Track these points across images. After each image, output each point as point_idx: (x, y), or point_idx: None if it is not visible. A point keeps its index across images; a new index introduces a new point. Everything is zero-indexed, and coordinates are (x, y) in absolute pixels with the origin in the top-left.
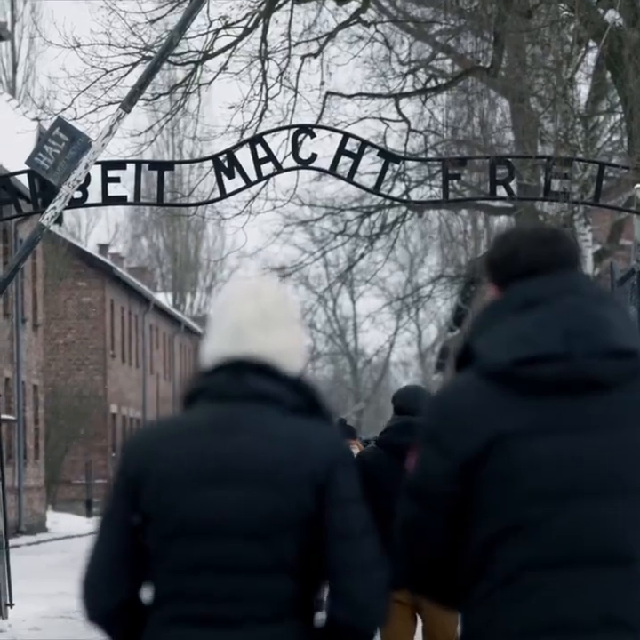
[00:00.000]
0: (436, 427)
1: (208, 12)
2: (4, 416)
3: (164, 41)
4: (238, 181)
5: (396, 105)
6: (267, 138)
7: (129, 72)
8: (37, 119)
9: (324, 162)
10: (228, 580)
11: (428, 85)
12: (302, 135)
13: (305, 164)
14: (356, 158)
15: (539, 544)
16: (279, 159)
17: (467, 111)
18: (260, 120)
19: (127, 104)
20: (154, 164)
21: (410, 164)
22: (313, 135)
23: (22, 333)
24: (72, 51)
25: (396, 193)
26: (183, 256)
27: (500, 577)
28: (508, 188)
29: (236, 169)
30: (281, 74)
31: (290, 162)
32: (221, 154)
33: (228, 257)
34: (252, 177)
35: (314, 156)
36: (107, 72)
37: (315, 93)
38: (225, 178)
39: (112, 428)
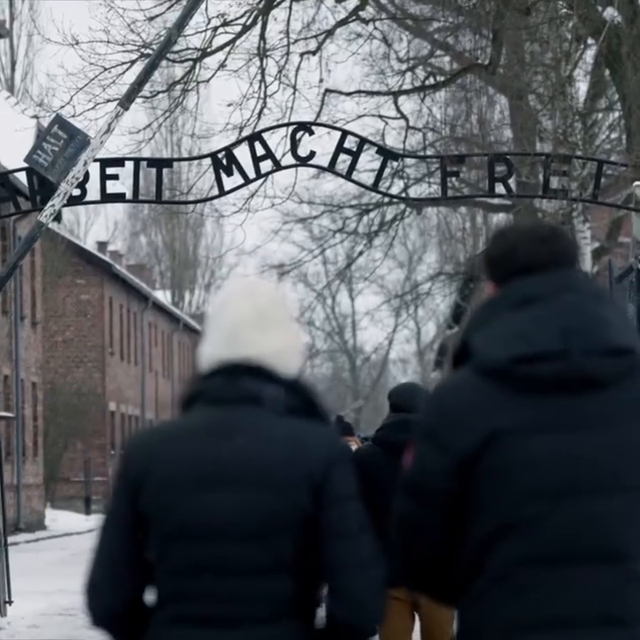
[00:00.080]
0: (433, 423)
1: (206, 9)
2: (3, 413)
3: (162, 38)
4: (237, 179)
5: (395, 102)
6: (265, 135)
7: (127, 69)
8: (36, 116)
9: (322, 159)
10: (227, 581)
11: (427, 83)
12: (301, 132)
13: (304, 162)
14: (355, 156)
15: (535, 541)
16: (278, 156)
17: (465, 108)
18: (259, 117)
19: (126, 101)
20: (152, 162)
21: (408, 161)
22: (312, 133)
23: (21, 331)
24: (70, 48)
25: (394, 190)
26: (182, 253)
27: (496, 574)
28: (506, 186)
29: (234, 166)
30: (280, 71)
31: (288, 159)
32: (220, 151)
33: (226, 254)
34: (251, 174)
35: (312, 154)
36: (105, 69)
37: (313, 91)
38: (223, 175)
39: (111, 426)
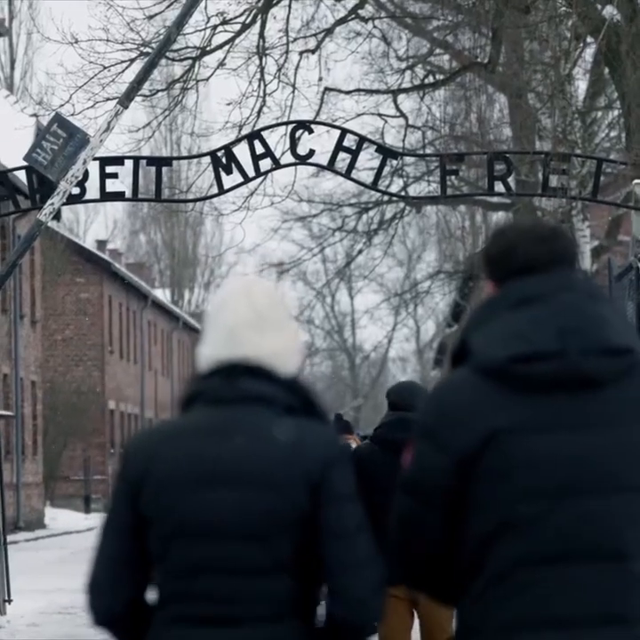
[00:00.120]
0: (432, 423)
1: (206, 8)
2: (3, 412)
3: (161, 37)
4: (236, 177)
5: (394, 101)
6: (265, 134)
7: (127, 68)
8: (35, 115)
9: (322, 158)
10: (228, 581)
11: (426, 81)
12: (300, 131)
13: (303, 160)
14: (354, 154)
15: (535, 541)
16: (277, 155)
17: (465, 107)
18: (258, 116)
19: (125, 100)
20: (152, 160)
21: (408, 159)
22: (311, 131)
23: (20, 329)
24: (70, 47)
25: (394, 189)
26: (181, 252)
27: (495, 573)
28: (506, 184)
29: (233, 165)
30: (279, 70)
31: (288, 158)
32: (219, 150)
33: (226, 253)
34: (250, 173)
35: (312, 152)
36: (104, 68)
37: (313, 89)
38: (223, 174)
39: (110, 424)
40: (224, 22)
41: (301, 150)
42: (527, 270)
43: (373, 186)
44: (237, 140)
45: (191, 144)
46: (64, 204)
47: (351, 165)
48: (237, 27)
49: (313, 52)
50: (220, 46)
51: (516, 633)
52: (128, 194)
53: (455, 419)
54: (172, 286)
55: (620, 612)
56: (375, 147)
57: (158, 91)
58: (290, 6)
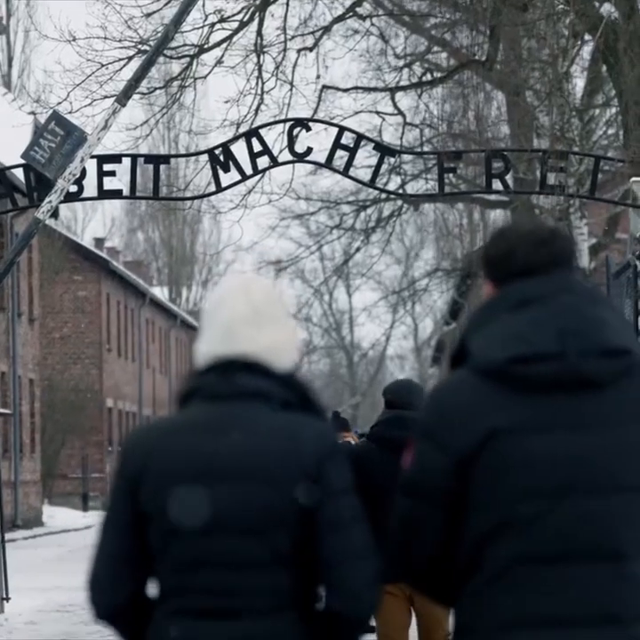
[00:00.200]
0: (431, 423)
1: (203, 5)
2: (0, 410)
3: (159, 34)
4: (234, 175)
5: (392, 98)
6: (262, 131)
7: (124, 66)
8: (33, 113)
9: (319, 155)
10: (227, 575)
11: (424, 79)
12: (298, 129)
13: (301, 158)
14: (352, 152)
15: (533, 540)
16: (275, 153)
17: (462, 105)
18: (256, 114)
19: (123, 98)
20: (149, 158)
21: (405, 157)
22: (308, 129)
23: (18, 327)
24: (67, 44)
25: (391, 186)
26: (179, 250)
27: (493, 572)
28: (503, 182)
29: (231, 163)
30: (277, 67)
31: (285, 155)
32: (217, 147)
33: (223, 251)
34: (248, 171)
35: (309, 150)
36: (102, 66)
37: (310, 87)
38: (221, 171)
39: (108, 422)
40: (222, 20)
41: (299, 148)
42: (527, 272)
43: (371, 184)
44: (235, 138)
45: (189, 142)
46: (62, 202)
47: (349, 163)
48: (235, 24)
49: (311, 49)
50: (218, 44)
51: (515, 632)
52: (126, 192)
53: (455, 419)
54: (170, 284)
55: (616, 611)
56: (373, 144)
57: (156, 88)
58: (287, 4)
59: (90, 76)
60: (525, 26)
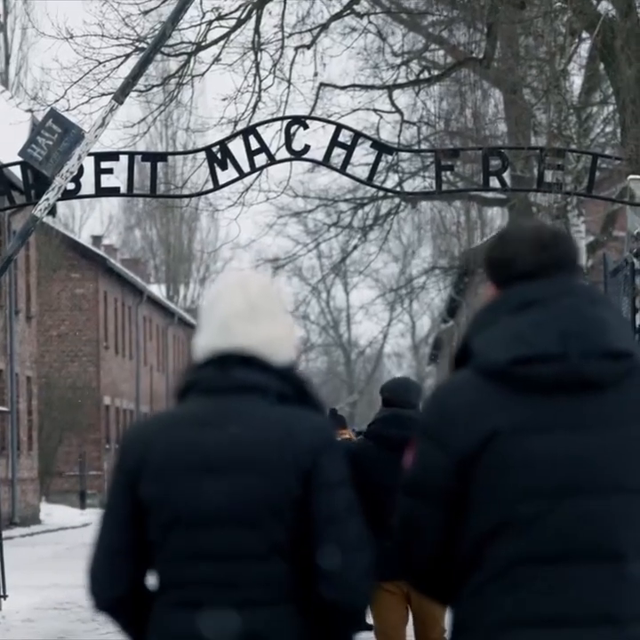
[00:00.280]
0: (433, 423)
1: (201, 3)
2: None
3: (157, 32)
4: (231, 173)
5: (390, 96)
6: (260, 129)
7: (122, 63)
8: (30, 110)
9: (317, 153)
10: (225, 566)
11: (421, 77)
12: (295, 126)
13: (298, 156)
14: (350, 150)
15: (533, 540)
16: (272, 150)
17: (460, 102)
18: (254, 111)
19: (120, 95)
20: (147, 156)
21: (403, 155)
22: (306, 126)
23: (15, 325)
24: (65, 42)
25: (389, 184)
26: (177, 247)
27: (493, 572)
28: (501, 180)
29: (229, 160)
30: (274, 65)
31: (283, 153)
32: (215, 145)
33: (221, 248)
34: (246, 168)
35: (307, 148)
36: (100, 63)
37: (308, 85)
38: (218, 169)
39: (105, 420)
40: (219, 18)
41: (296, 146)
42: (528, 276)
43: (368, 181)
44: (233, 136)
45: (186, 139)
46: (59, 200)
47: (346, 161)
48: (233, 22)
49: (308, 47)
50: (216, 42)
51: (514, 631)
52: (123, 189)
53: (456, 419)
54: (168, 282)
55: (615, 612)
56: (370, 142)
57: (153, 86)
58: (285, 1)
59: (87, 73)
60: (523, 23)
